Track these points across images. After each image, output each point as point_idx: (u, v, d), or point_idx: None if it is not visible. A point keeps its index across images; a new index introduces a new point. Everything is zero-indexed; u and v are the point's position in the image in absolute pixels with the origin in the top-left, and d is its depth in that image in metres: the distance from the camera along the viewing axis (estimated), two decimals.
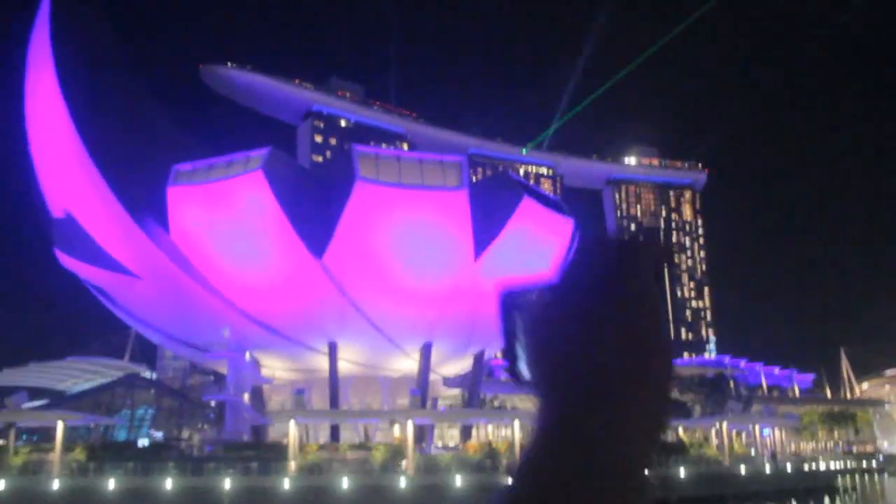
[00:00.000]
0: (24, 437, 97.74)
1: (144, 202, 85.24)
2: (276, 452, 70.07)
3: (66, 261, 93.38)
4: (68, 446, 70.73)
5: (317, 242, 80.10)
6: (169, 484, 60.78)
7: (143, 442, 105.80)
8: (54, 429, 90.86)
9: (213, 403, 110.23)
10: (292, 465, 65.14)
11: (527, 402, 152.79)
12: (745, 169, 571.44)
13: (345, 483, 62.28)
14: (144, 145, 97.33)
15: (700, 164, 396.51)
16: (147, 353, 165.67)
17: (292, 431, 67.41)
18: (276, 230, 79.23)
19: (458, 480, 64.69)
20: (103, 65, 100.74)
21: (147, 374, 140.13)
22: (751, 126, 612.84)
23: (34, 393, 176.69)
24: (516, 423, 73.10)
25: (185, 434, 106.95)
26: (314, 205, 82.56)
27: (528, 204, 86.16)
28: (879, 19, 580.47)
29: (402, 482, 63.85)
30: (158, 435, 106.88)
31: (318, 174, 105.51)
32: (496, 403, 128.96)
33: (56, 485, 62.07)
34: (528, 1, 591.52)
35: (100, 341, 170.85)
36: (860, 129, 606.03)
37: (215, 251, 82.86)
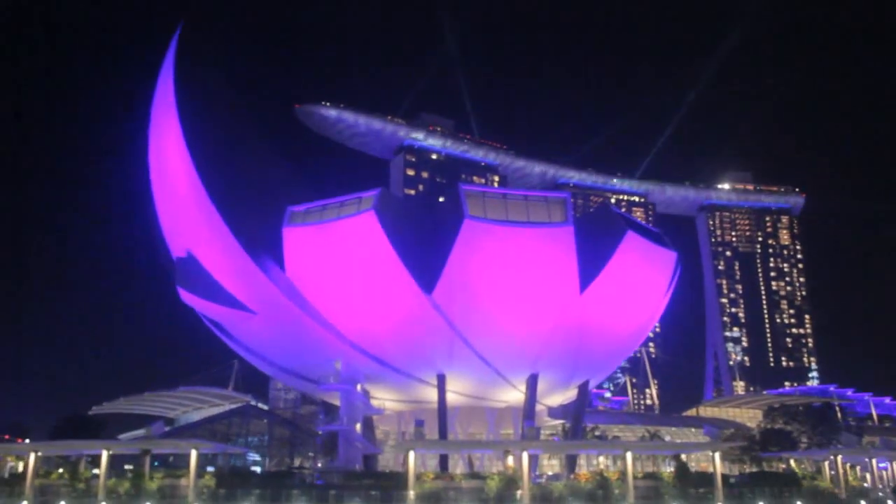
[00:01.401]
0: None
1: (261, 241, 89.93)
2: (394, 481, 72.66)
3: (187, 297, 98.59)
4: (198, 473, 74.91)
5: (426, 278, 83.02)
6: None
7: (255, 469, 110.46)
8: (176, 456, 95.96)
9: (319, 432, 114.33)
10: (411, 493, 67.68)
11: (626, 432, 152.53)
12: (844, 191, 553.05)
13: None
14: (259, 187, 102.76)
15: (797, 189, 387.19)
16: (249, 382, 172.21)
17: (412, 461, 69.86)
18: (387, 267, 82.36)
19: None
20: (220, 110, 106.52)
21: (251, 402, 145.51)
22: (849, 147, 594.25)
23: (149, 420, 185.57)
24: (628, 454, 73.76)
25: (297, 462, 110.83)
26: (423, 241, 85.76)
27: (631, 238, 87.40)
28: None
29: None
30: (270, 463, 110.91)
31: (427, 212, 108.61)
32: (597, 433, 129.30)
33: None
34: (615, 32, 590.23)
35: (204, 372, 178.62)
36: None
37: (329, 287, 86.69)
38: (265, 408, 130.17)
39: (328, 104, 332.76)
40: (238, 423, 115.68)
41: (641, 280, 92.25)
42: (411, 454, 70.15)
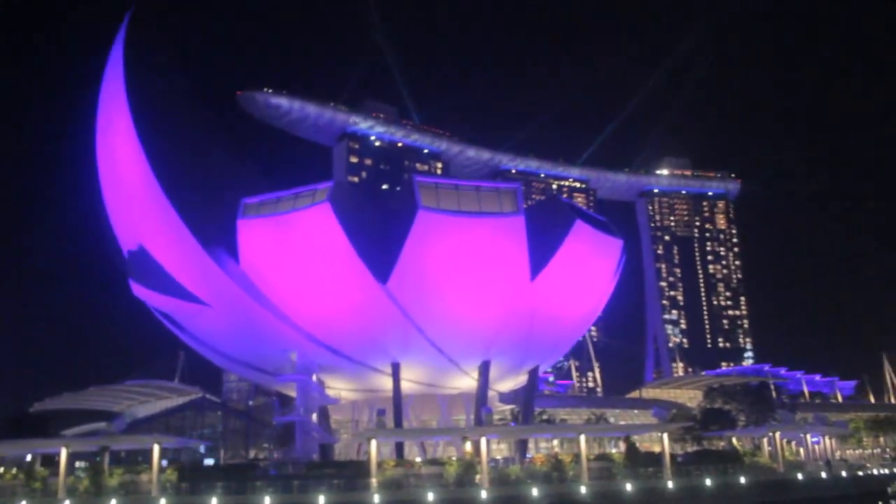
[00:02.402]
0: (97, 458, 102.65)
1: (215, 234, 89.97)
2: (355, 469, 74.02)
3: (139, 290, 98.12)
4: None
5: (381, 268, 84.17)
6: (268, 501, 64.95)
7: (208, 462, 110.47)
8: (129, 451, 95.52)
9: (274, 423, 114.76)
10: (374, 481, 69.14)
11: (572, 415, 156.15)
12: (778, 176, 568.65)
13: (430, 496, 66.07)
14: (211, 178, 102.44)
15: (733, 174, 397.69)
16: (196, 374, 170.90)
17: (373, 449, 71.34)
18: (342, 258, 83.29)
19: (535, 491, 68.29)
20: (169, 99, 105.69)
21: (202, 395, 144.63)
22: (783, 133, 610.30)
23: (92, 415, 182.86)
24: (582, 437, 76.47)
25: (253, 453, 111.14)
26: (376, 232, 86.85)
27: (580, 227, 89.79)
28: None
29: (483, 494, 67.50)
30: (226, 455, 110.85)
31: (379, 202, 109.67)
32: (544, 417, 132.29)
33: (163, 502, 66.44)
34: (560, 18, 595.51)
35: (149, 365, 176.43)
36: None
37: (283, 279, 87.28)
38: (215, 400, 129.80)
39: (270, 91, 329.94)
40: (192, 416, 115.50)
41: (589, 267, 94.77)
42: (373, 442, 71.66)
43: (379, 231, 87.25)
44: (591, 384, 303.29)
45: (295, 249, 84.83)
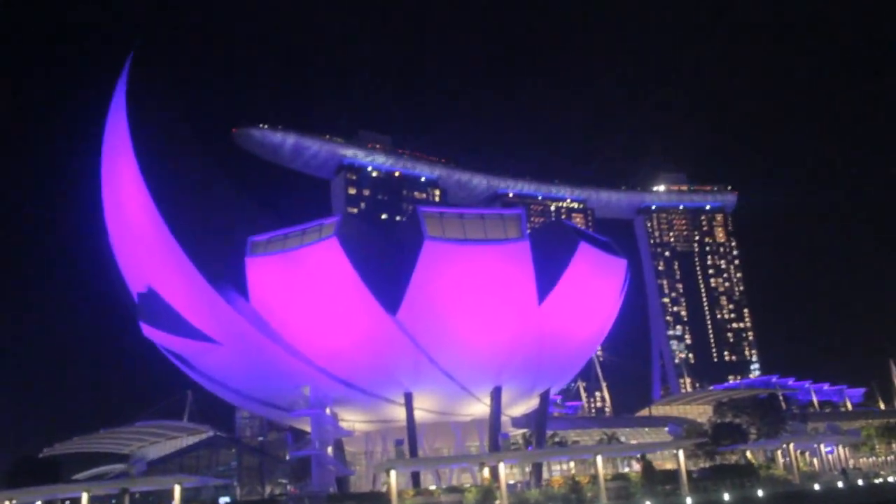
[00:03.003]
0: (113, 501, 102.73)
1: (223, 272, 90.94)
2: (375, 501, 74.50)
3: (150, 332, 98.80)
4: None
5: (390, 300, 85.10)
6: None
7: (224, 500, 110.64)
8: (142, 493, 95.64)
9: (287, 457, 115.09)
10: None
11: (584, 436, 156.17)
12: (777, 187, 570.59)
13: None
14: (215, 216, 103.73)
15: (729, 187, 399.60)
16: (205, 412, 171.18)
17: (394, 480, 71.83)
18: (351, 292, 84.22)
19: None
20: (172, 140, 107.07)
21: (212, 433, 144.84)
22: (777, 145, 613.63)
23: (103, 458, 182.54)
24: (598, 458, 76.98)
25: (269, 489, 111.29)
26: (383, 264, 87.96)
27: (584, 249, 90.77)
28: None
29: None
30: (241, 492, 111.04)
31: (385, 234, 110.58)
32: (556, 439, 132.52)
33: None
34: (551, 39, 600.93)
35: (156, 405, 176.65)
36: None
37: (294, 314, 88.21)
38: (228, 437, 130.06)
39: (266, 126, 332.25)
40: (206, 454, 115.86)
41: (595, 288, 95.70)
42: (392, 473, 72.14)
43: (386, 262, 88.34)
44: (599, 404, 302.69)
45: (304, 285, 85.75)
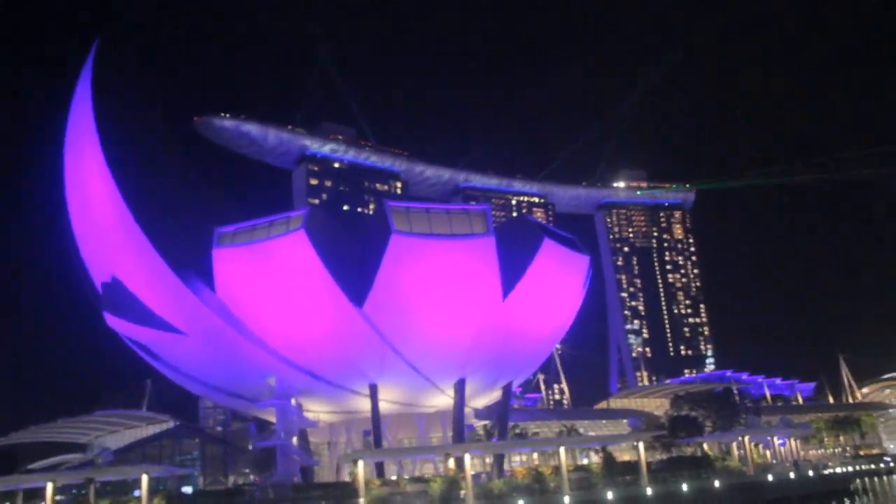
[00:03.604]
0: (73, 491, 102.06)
1: (188, 262, 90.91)
2: (342, 490, 75.39)
3: (114, 322, 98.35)
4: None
5: (356, 292, 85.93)
6: None
7: (187, 489, 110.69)
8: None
9: (250, 447, 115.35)
10: (362, 501, 70.61)
11: (543, 428, 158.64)
12: (732, 184, 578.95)
13: None
14: (183, 207, 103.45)
15: (687, 185, 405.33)
16: (164, 402, 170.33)
17: (360, 470, 72.80)
18: (318, 284, 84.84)
19: (521, 503, 70.38)
20: (140, 131, 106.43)
21: (173, 422, 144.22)
22: (737, 141, 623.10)
23: (60, 448, 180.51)
24: (562, 449, 78.69)
25: (231, 479, 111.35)
26: (350, 256, 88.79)
27: (548, 245, 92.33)
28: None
29: None
30: (205, 482, 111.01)
31: (352, 227, 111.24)
32: (517, 431, 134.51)
33: None
34: (515, 35, 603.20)
35: (114, 395, 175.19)
36: (853, 134, 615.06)
37: (260, 306, 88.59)
38: (193, 427, 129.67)
39: (227, 115, 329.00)
40: (170, 444, 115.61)
41: (558, 283, 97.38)
42: (360, 463, 73.12)
43: (352, 255, 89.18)
44: (557, 397, 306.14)
45: (271, 277, 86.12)
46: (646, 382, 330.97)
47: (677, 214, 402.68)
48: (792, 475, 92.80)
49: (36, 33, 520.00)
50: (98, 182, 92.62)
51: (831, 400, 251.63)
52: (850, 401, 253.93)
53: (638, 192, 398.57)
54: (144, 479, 73.14)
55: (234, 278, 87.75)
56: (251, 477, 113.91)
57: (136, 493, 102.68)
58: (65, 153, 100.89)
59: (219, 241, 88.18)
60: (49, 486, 73.45)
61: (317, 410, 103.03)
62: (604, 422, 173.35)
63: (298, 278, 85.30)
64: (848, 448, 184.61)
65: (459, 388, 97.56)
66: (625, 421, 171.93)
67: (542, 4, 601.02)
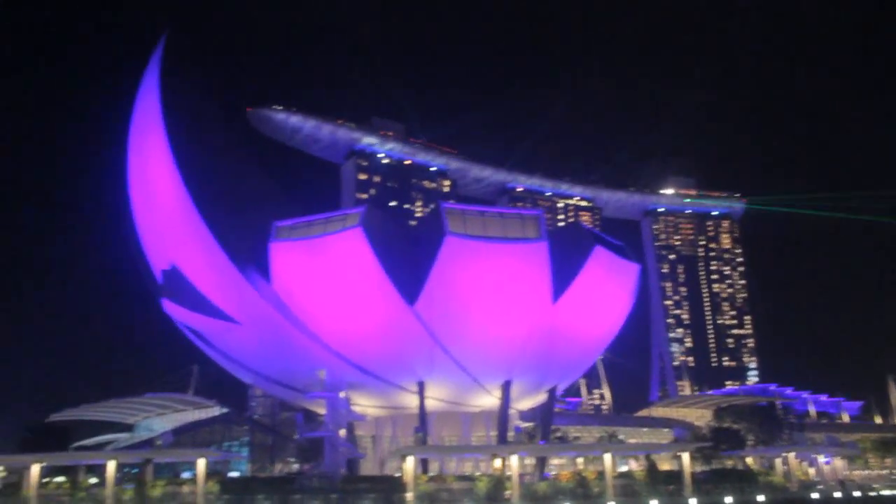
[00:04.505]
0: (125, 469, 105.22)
1: (246, 253, 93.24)
2: (389, 484, 76.99)
3: (171, 308, 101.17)
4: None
5: (409, 291, 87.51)
6: None
7: (233, 474, 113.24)
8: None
9: (296, 437, 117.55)
10: (410, 495, 72.16)
11: (583, 432, 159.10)
12: (784, 196, 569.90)
13: None
14: (242, 199, 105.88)
15: (737, 194, 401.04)
16: (210, 387, 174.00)
17: (410, 465, 74.45)
18: (372, 281, 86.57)
19: None
20: (203, 123, 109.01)
21: (214, 409, 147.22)
22: (790, 152, 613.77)
23: (106, 427, 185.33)
24: (607, 455, 79.39)
25: (277, 467, 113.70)
26: (404, 255, 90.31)
27: (599, 252, 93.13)
28: None
29: None
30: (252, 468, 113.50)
31: (408, 228, 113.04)
32: (558, 434, 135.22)
33: None
34: (569, 37, 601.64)
35: (162, 379, 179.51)
36: None
37: (314, 300, 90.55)
38: (237, 414, 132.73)
39: (280, 108, 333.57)
40: (220, 430, 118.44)
41: (608, 290, 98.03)
42: (410, 458, 74.66)
43: (406, 254, 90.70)
44: (597, 401, 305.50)
45: (326, 271, 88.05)
46: (687, 392, 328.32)
47: (725, 224, 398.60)
48: (838, 494, 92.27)
49: (101, 28, 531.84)
50: (163, 172, 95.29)
51: (879, 420, 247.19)
52: None
53: (686, 200, 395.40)
54: (202, 463, 75.46)
55: (290, 271, 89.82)
56: (296, 466, 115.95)
57: (185, 474, 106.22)
58: (129, 144, 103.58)
59: (277, 234, 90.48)
60: (111, 464, 76.15)
61: (364, 404, 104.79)
62: (644, 429, 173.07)
63: (353, 274, 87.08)
64: (894, 471, 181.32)
65: (505, 389, 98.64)
66: (665, 430, 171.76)
67: (597, 6, 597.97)
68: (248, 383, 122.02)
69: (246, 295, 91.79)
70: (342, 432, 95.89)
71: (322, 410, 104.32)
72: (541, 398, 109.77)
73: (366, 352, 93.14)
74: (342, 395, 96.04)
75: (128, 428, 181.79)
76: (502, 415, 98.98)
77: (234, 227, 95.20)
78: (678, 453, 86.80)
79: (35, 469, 77.54)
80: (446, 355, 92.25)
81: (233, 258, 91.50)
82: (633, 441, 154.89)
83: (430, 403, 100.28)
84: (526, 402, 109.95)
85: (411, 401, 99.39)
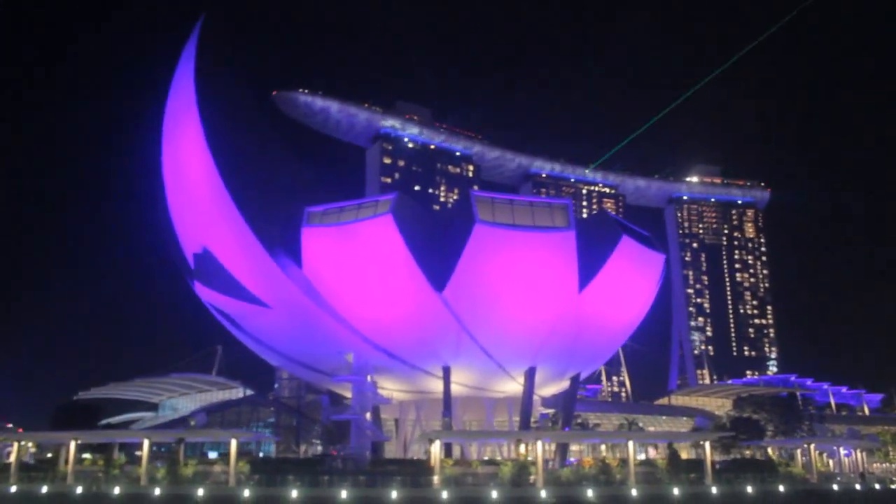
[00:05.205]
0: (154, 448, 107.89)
1: (277, 237, 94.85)
2: (416, 468, 78.67)
3: (202, 291, 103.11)
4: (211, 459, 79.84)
5: (437, 277, 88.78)
6: (344, 494, 69.46)
7: (262, 453, 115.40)
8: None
9: (321, 419, 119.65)
10: (436, 479, 73.73)
11: (603, 420, 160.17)
12: (809, 186, 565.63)
13: (494, 494, 70.39)
14: (272, 183, 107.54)
15: (763, 183, 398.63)
16: (232, 369, 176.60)
17: (436, 450, 76.08)
18: (401, 267, 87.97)
19: (590, 493, 72.59)
20: (235, 107, 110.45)
21: (238, 390, 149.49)
22: (813, 144, 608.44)
23: (131, 405, 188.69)
24: (630, 443, 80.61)
25: (303, 448, 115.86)
26: (433, 242, 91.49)
27: (626, 242, 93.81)
28: None
29: (542, 494, 71.85)
30: (278, 449, 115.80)
31: (437, 214, 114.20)
32: (578, 421, 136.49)
33: (246, 493, 71.48)
34: (591, 26, 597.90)
35: (187, 358, 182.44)
36: None
37: (344, 285, 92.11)
38: (262, 396, 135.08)
39: (306, 91, 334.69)
40: (248, 411, 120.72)
41: (633, 280, 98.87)
42: (437, 442, 76.25)
43: (436, 241, 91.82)
44: (616, 389, 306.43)
45: (356, 257, 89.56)
46: (706, 381, 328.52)
47: (750, 213, 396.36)
48: (858, 486, 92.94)
49: (134, 13, 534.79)
50: (196, 156, 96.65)
51: None
52: None
53: (711, 188, 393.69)
54: (233, 443, 77.39)
55: (321, 256, 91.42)
56: (320, 448, 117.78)
57: (210, 454, 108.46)
58: (163, 128, 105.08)
59: (308, 219, 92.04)
60: (146, 443, 78.36)
61: (389, 388, 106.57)
62: (664, 418, 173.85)
63: (383, 260, 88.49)
64: None
65: (529, 375, 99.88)
66: (684, 418, 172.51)
67: None
68: (274, 366, 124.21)
69: (276, 279, 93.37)
70: (368, 415, 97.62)
71: (348, 393, 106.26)
72: (563, 385, 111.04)
73: (394, 336, 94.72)
74: (368, 378, 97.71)
75: (153, 407, 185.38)
76: (526, 401, 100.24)
77: (263, 210, 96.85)
78: (700, 442, 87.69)
79: (72, 446, 79.87)
80: (473, 341, 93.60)
81: (263, 242, 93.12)
82: (652, 429, 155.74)
83: (455, 388, 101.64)
84: (549, 388, 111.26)
85: (436, 385, 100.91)
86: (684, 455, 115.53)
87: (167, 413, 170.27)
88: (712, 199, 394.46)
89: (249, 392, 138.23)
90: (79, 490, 75.24)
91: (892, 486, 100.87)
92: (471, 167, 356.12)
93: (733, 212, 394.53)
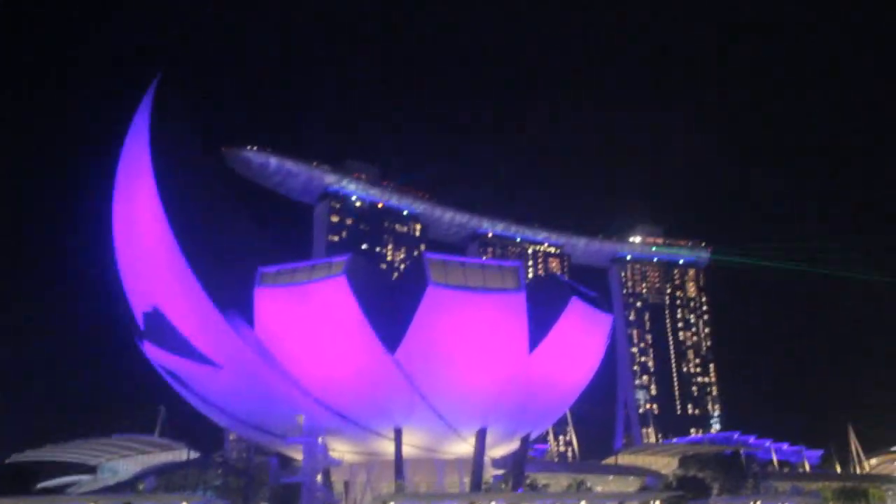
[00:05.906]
0: None
1: (229, 297, 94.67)
2: None
3: (151, 351, 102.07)
4: None
5: (390, 339, 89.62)
6: None
7: None
8: None
9: (268, 482, 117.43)
10: None
11: (551, 479, 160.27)
12: (748, 245, 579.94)
13: None
14: (225, 242, 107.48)
15: (703, 243, 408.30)
16: (181, 428, 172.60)
17: None
18: (355, 328, 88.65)
19: None
20: (190, 166, 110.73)
21: (184, 451, 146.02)
22: (754, 203, 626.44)
23: (69, 467, 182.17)
24: (583, 502, 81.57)
25: None
26: (387, 304, 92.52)
27: (575, 303, 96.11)
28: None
29: None
30: None
31: (389, 275, 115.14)
32: (527, 481, 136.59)
33: None
34: (537, 83, 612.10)
35: (128, 419, 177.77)
36: (865, 199, 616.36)
37: (296, 346, 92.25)
38: (211, 457, 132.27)
39: (255, 148, 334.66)
40: (195, 473, 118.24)
41: (582, 340, 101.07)
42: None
43: (388, 303, 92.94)
44: (562, 448, 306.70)
45: (309, 318, 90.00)
46: (652, 439, 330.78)
47: (691, 272, 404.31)
48: None
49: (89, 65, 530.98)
50: (149, 214, 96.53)
51: (839, 469, 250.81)
52: (859, 471, 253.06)
53: (653, 248, 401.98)
54: None
55: (274, 317, 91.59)
56: None
57: None
58: (115, 185, 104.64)
59: (261, 280, 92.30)
60: None
61: (340, 450, 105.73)
62: (611, 477, 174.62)
63: (336, 322, 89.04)
64: None
65: (480, 436, 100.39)
66: (631, 478, 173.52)
67: (567, 54, 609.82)
68: (222, 426, 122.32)
69: (228, 338, 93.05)
70: (318, 478, 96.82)
71: (298, 455, 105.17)
72: (514, 445, 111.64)
73: (346, 398, 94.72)
74: (320, 440, 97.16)
75: (91, 469, 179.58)
76: (477, 462, 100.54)
77: (216, 269, 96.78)
78: (649, 502, 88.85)
79: None
80: (425, 402, 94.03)
81: (215, 301, 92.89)
82: (599, 489, 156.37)
83: (406, 450, 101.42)
84: (500, 449, 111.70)
85: (387, 447, 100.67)
86: None
87: (107, 476, 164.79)
88: (655, 259, 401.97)
89: (195, 454, 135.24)
90: None
91: None
92: (418, 226, 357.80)
93: (675, 271, 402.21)
